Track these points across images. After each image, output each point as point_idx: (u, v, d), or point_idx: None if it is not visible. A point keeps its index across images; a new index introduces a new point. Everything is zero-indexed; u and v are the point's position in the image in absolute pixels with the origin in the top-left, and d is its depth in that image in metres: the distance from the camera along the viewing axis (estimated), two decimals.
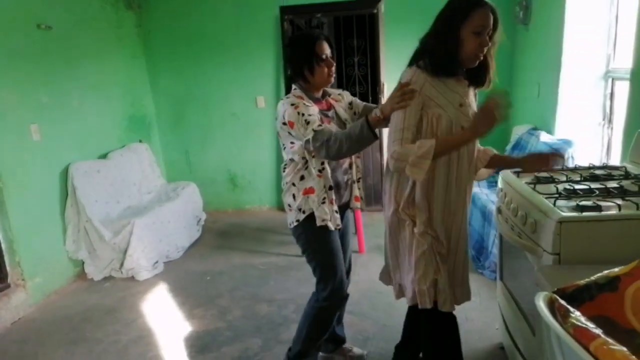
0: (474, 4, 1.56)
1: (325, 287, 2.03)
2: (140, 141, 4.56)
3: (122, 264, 3.57)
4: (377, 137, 1.77)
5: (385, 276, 2.01)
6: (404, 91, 1.64)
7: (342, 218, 2.06)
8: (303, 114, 1.84)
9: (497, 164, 1.93)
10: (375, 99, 4.64)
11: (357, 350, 2.44)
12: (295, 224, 2.01)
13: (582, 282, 1.16)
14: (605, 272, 1.14)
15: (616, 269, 1.12)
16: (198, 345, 2.65)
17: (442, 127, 1.63)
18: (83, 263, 3.64)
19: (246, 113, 4.90)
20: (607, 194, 1.73)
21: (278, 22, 4.61)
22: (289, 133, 1.90)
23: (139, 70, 4.74)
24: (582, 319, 1.02)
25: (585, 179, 1.94)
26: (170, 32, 4.75)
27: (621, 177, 1.94)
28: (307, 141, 1.85)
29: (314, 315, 2.10)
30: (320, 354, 2.35)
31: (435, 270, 1.72)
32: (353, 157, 2.09)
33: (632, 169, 2.07)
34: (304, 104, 1.88)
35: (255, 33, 4.69)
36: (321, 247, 2.01)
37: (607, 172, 2.02)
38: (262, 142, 4.97)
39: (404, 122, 1.63)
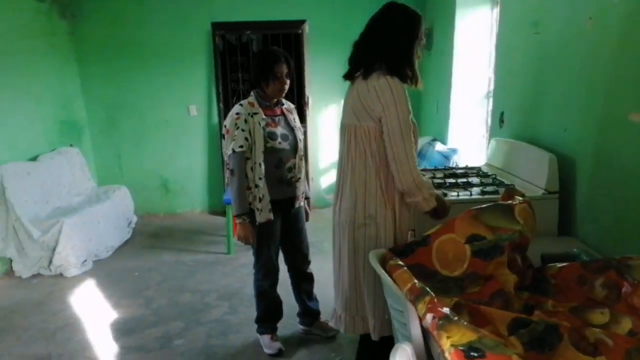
0: (421, 18, 1.68)
1: (256, 262, 2.53)
2: (71, 145, 4.68)
3: (50, 262, 3.71)
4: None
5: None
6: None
7: (289, 211, 2.48)
8: (237, 127, 2.26)
9: None
10: (301, 111, 5.06)
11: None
12: None
13: (409, 241, 1.60)
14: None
15: (430, 231, 1.56)
16: (124, 329, 2.89)
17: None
18: (11, 261, 3.74)
19: (178, 120, 5.15)
20: (455, 185, 2.22)
21: (210, 36, 4.94)
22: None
23: (71, 76, 4.88)
24: (399, 262, 1.44)
25: (445, 176, 2.44)
26: (104, 41, 4.93)
27: (473, 174, 2.45)
28: (226, 153, 2.31)
29: (256, 287, 2.59)
30: (300, 327, 2.76)
31: None
32: (296, 158, 2.44)
33: (485, 168, 2.60)
34: (244, 118, 2.25)
35: (188, 45, 4.98)
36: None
37: (464, 171, 2.53)
38: (194, 148, 5.24)
39: (413, 140, 1.68)
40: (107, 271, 3.84)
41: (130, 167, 5.25)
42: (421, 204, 1.69)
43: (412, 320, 1.19)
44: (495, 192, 2.13)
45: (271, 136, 2.31)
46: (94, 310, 3.16)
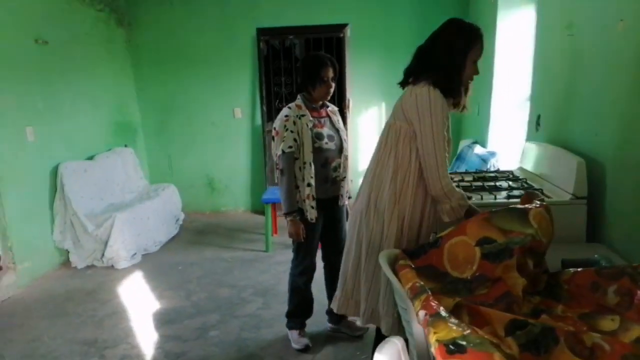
0: (479, 35, 1.73)
1: (295, 258, 2.64)
2: (125, 145, 5.00)
3: (103, 254, 3.99)
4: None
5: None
6: None
7: (332, 208, 2.58)
8: (287, 129, 2.37)
9: None
10: (341, 114, 5.10)
11: (359, 323, 2.90)
12: None
13: (422, 243, 1.63)
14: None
15: (442, 233, 1.58)
16: (165, 319, 3.08)
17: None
18: (68, 252, 4.05)
19: (224, 123, 5.37)
20: (481, 188, 2.21)
21: (255, 42, 5.11)
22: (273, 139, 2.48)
23: (127, 81, 5.21)
24: (408, 262, 1.48)
25: (474, 179, 2.43)
26: (157, 48, 5.24)
27: (503, 179, 2.42)
28: (276, 154, 2.42)
29: (290, 283, 2.70)
30: (329, 324, 2.85)
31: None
32: (341, 158, 2.54)
33: (517, 172, 2.56)
34: (293, 120, 2.37)
35: (234, 51, 5.19)
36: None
37: (494, 175, 2.51)
38: (239, 150, 5.44)
39: (446, 150, 1.74)
40: (154, 264, 4.07)
41: (179, 166, 5.53)
42: (447, 212, 1.75)
43: (413, 317, 1.23)
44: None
45: (318, 137, 2.43)
46: (139, 300, 3.37)
